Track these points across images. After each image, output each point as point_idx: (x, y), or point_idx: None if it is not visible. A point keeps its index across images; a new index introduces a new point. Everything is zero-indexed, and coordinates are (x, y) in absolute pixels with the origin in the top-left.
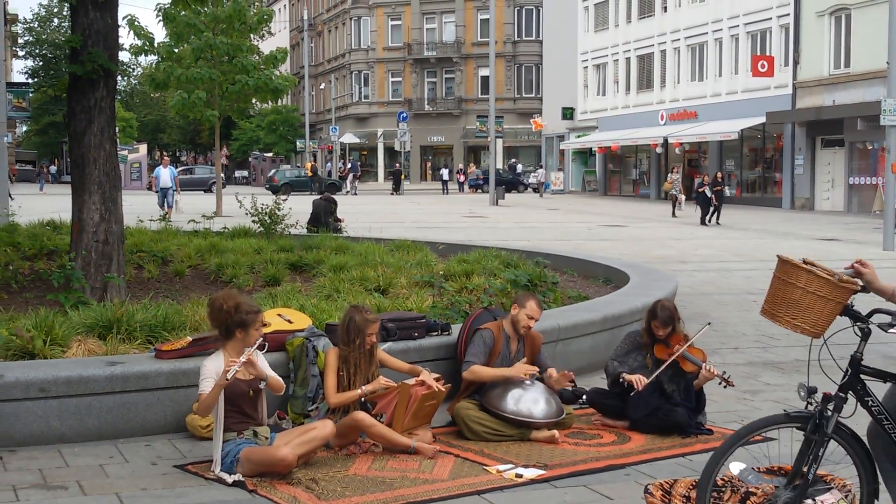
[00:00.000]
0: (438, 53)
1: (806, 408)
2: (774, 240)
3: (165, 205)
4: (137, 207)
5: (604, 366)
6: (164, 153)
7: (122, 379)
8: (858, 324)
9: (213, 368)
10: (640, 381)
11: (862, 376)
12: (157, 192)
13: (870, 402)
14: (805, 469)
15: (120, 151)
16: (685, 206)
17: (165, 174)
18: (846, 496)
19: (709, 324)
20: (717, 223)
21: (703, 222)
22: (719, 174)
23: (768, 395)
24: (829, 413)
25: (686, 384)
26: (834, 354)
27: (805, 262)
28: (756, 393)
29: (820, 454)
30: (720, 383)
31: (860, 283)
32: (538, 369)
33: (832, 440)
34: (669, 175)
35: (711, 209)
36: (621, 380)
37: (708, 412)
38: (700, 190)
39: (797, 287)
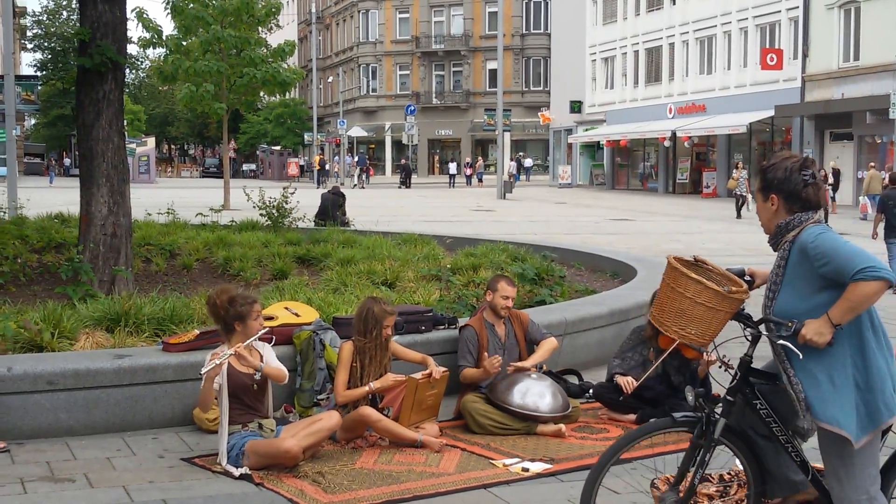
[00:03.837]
0: (446, 46)
1: (694, 412)
2: None
3: None
4: (145, 200)
5: (609, 360)
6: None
7: (129, 372)
8: (749, 329)
9: (216, 351)
10: (629, 384)
11: (751, 379)
12: None
13: (758, 406)
14: (691, 474)
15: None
16: (753, 205)
17: None
18: None
19: None
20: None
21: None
22: (822, 173)
23: None
24: (717, 417)
25: (692, 374)
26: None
27: (696, 259)
28: None
29: (707, 459)
30: (720, 367)
31: (749, 292)
32: (499, 359)
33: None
34: (734, 171)
35: None
36: (615, 381)
37: None
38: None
39: (685, 297)
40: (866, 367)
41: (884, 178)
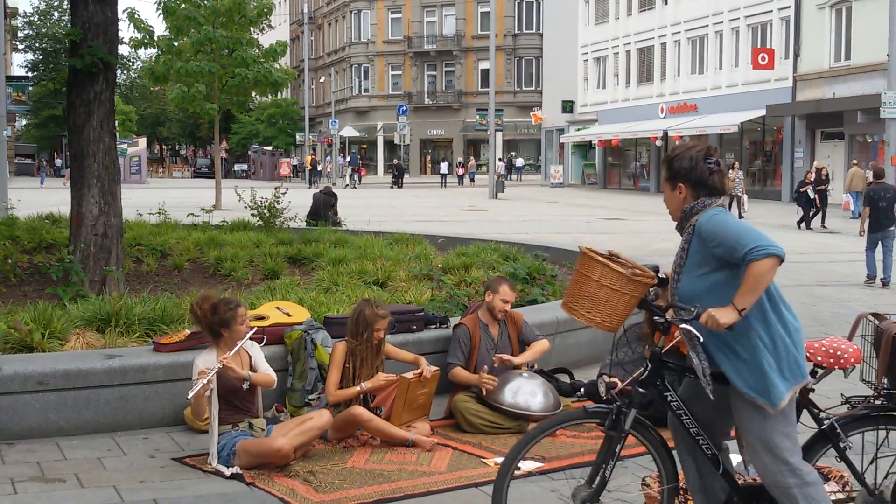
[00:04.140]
0: (438, 46)
1: (606, 403)
2: (773, 233)
3: None
4: (136, 201)
5: (602, 358)
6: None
7: (120, 372)
8: (657, 318)
9: (203, 367)
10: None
11: (663, 371)
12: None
13: (669, 398)
14: (604, 466)
15: (119, 145)
16: (749, 206)
17: None
18: (843, 487)
19: None
20: (823, 226)
21: (800, 225)
22: (824, 171)
23: None
24: (627, 409)
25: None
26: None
27: (610, 253)
28: None
29: (617, 451)
30: None
31: (655, 276)
32: (496, 380)
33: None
34: (730, 172)
35: (813, 212)
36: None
37: None
38: (802, 190)
39: (592, 280)
40: (770, 335)
41: (867, 175)
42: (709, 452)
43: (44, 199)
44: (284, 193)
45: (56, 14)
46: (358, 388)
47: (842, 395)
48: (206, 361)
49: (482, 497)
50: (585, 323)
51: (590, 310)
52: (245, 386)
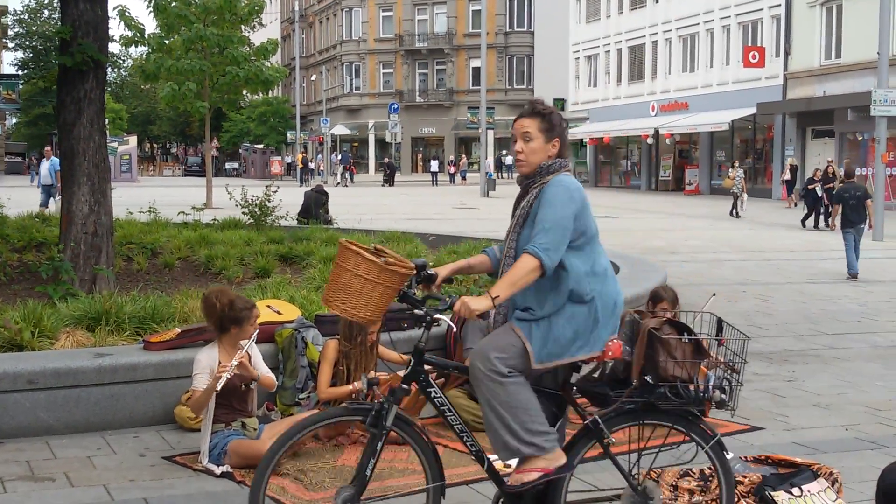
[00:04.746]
0: (430, 45)
1: (371, 400)
2: (765, 230)
3: (51, 203)
4: (127, 199)
5: None
6: (48, 146)
7: (110, 371)
8: (416, 311)
9: (207, 362)
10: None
11: (426, 366)
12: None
13: (432, 394)
14: (364, 463)
15: (109, 143)
16: (747, 205)
17: (45, 169)
18: (833, 484)
19: (713, 295)
20: (828, 226)
21: (804, 223)
22: (830, 168)
23: (756, 384)
24: (389, 405)
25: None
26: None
27: (376, 248)
28: (744, 383)
29: (378, 448)
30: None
31: (414, 267)
32: None
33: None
34: (730, 170)
35: (822, 210)
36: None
37: None
38: (811, 187)
39: (346, 270)
40: (554, 310)
41: (839, 171)
42: (472, 450)
43: (34, 197)
44: (275, 192)
45: (46, 12)
46: (350, 387)
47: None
48: (210, 357)
49: (474, 495)
50: (343, 315)
51: (345, 300)
52: (253, 386)
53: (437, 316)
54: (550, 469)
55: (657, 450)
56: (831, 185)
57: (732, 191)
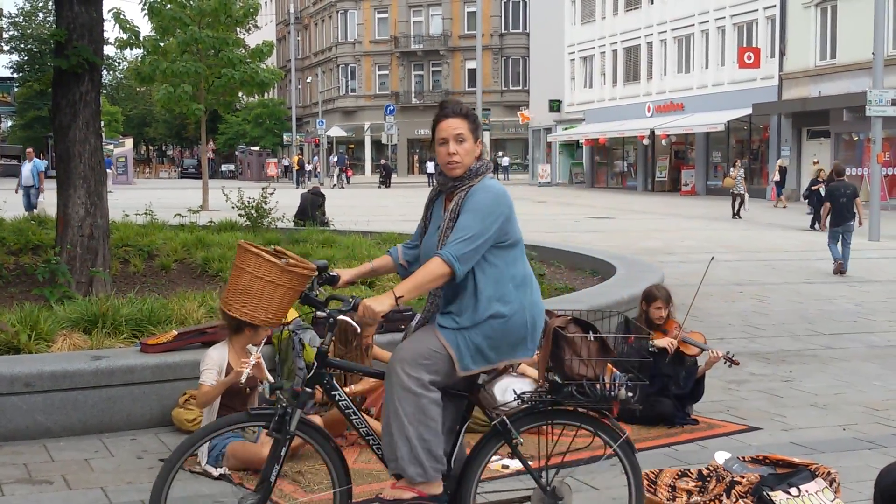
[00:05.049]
0: (425, 46)
1: (274, 405)
2: (761, 231)
3: (31, 207)
4: (123, 202)
5: None
6: (30, 147)
7: (107, 373)
8: (319, 313)
9: (217, 359)
10: (672, 343)
11: (329, 369)
12: (20, 191)
13: (337, 397)
14: (269, 469)
15: (105, 146)
16: (749, 206)
17: (27, 170)
18: (830, 484)
19: (713, 258)
20: (820, 227)
21: (813, 226)
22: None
23: (754, 385)
24: (293, 410)
25: (687, 373)
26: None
27: (276, 250)
28: (741, 383)
29: (283, 454)
30: (725, 363)
31: (315, 269)
32: None
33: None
34: (731, 170)
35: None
36: (651, 348)
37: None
38: (815, 188)
39: (246, 272)
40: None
41: (823, 170)
42: (378, 453)
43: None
44: (272, 194)
45: (41, 15)
46: (347, 389)
47: (513, 391)
48: (220, 355)
49: None
50: (243, 318)
51: (245, 303)
52: (261, 388)
53: (341, 318)
54: (425, 494)
55: (566, 451)
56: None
57: (733, 191)
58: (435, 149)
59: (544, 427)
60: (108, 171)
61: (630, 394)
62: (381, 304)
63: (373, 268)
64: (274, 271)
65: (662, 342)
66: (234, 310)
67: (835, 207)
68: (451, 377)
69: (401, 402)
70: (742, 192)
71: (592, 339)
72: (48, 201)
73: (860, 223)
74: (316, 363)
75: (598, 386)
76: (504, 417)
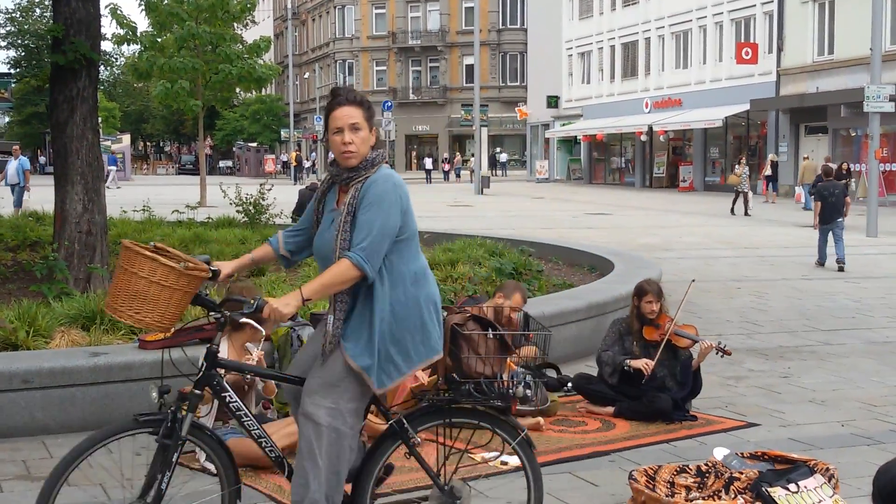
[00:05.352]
0: (423, 42)
1: (160, 409)
2: (758, 227)
3: (14, 204)
4: (121, 198)
5: (590, 354)
6: (16, 144)
7: (105, 370)
8: (212, 314)
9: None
10: (647, 365)
11: (219, 370)
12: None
13: (227, 398)
14: (160, 477)
15: (103, 142)
16: (754, 203)
17: (12, 168)
18: (829, 480)
19: (693, 280)
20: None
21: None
22: (844, 165)
23: (752, 381)
24: (184, 414)
25: (683, 367)
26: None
27: (156, 247)
28: (740, 379)
29: (174, 460)
30: (717, 353)
31: (209, 269)
32: None
33: (188, 442)
34: (736, 167)
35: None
36: (626, 367)
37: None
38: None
39: (141, 277)
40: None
41: (818, 169)
42: (272, 455)
43: (28, 196)
44: (270, 190)
45: (38, 10)
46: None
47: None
48: (221, 350)
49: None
50: (134, 324)
51: (139, 310)
52: (261, 386)
53: (244, 320)
54: None
55: (463, 450)
56: (843, 181)
57: (738, 188)
58: (329, 138)
59: (441, 427)
60: (113, 168)
61: (529, 391)
62: (287, 305)
63: (253, 259)
64: (171, 276)
65: (638, 363)
66: (126, 316)
67: (825, 206)
68: (367, 396)
69: (319, 440)
70: (746, 189)
71: (492, 336)
72: (46, 198)
73: (844, 214)
74: (205, 364)
75: (496, 384)
76: (401, 417)
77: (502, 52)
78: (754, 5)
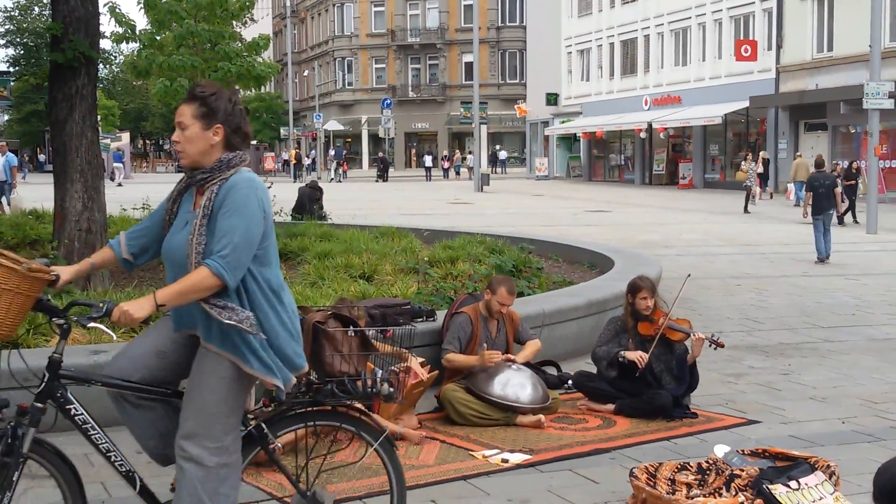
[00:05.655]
0: (422, 40)
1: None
2: (758, 224)
3: (4, 202)
4: (120, 196)
5: (589, 351)
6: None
7: (105, 368)
8: (55, 319)
9: None
10: (641, 357)
11: (63, 381)
12: None
13: (72, 411)
14: (0, 498)
15: (102, 140)
16: (760, 200)
17: None
18: (830, 477)
19: (689, 275)
20: (855, 221)
21: (841, 220)
22: (855, 164)
23: (752, 378)
24: (25, 429)
25: (678, 361)
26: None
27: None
28: (740, 376)
29: (15, 479)
30: (710, 346)
31: (51, 273)
32: (500, 354)
33: (31, 460)
34: (742, 163)
35: (845, 208)
36: (621, 359)
37: (693, 395)
38: (847, 183)
39: None
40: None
41: (810, 167)
42: (122, 470)
43: (27, 194)
44: (269, 187)
45: (37, 9)
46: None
47: (271, 392)
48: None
49: (470, 489)
50: None
51: None
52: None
53: (92, 325)
54: None
55: (325, 453)
56: (853, 181)
57: (746, 185)
58: None
59: (301, 430)
60: (119, 165)
61: (392, 389)
62: (140, 308)
63: (93, 263)
64: (14, 278)
65: (632, 355)
66: None
67: (815, 197)
68: (242, 408)
69: (202, 480)
70: (754, 185)
71: (353, 333)
72: (44, 196)
73: (838, 212)
74: (48, 375)
75: (359, 383)
76: (261, 422)
77: (501, 49)
78: (753, 2)
